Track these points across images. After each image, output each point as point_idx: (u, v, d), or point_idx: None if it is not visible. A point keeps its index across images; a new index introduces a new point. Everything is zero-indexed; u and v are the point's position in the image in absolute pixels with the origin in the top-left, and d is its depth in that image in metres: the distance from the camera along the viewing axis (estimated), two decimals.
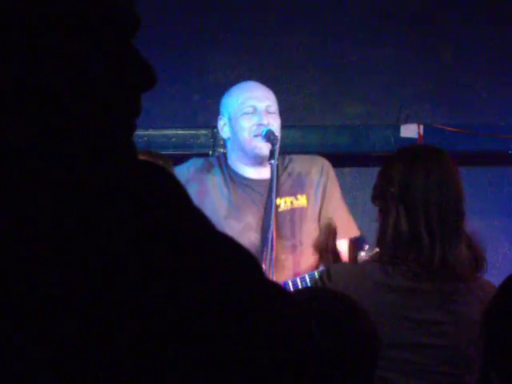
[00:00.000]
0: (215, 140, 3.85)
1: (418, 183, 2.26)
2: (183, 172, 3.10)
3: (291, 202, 3.09)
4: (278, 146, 2.98)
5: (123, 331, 0.79)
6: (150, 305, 0.80)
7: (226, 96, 3.16)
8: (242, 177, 3.10)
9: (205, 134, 3.87)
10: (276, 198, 3.04)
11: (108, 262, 0.80)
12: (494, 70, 3.97)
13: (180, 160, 3.59)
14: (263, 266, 2.84)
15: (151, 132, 3.73)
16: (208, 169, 3.15)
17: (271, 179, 2.91)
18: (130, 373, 0.79)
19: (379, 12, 3.98)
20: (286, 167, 3.16)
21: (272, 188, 2.90)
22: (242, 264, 0.87)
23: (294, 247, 3.05)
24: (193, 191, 3.05)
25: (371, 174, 3.98)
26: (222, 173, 3.13)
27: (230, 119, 3.10)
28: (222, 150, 3.84)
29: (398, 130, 3.88)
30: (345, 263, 2.60)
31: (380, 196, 2.32)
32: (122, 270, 0.79)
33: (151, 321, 0.80)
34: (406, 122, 3.91)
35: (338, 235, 3.10)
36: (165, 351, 0.80)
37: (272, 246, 2.89)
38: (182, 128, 3.89)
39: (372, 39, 3.97)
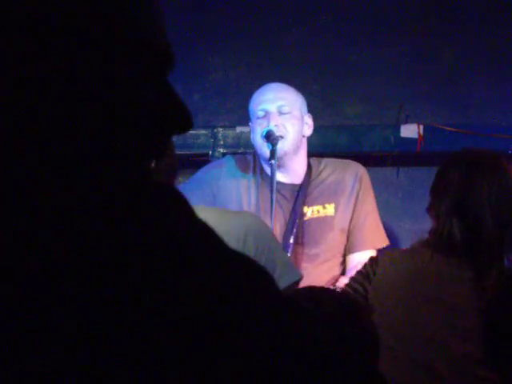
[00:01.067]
0: (215, 140, 3.85)
1: (476, 192, 2.26)
2: (216, 171, 3.08)
3: (318, 211, 3.05)
4: (280, 143, 2.96)
5: (133, 339, 0.80)
6: (157, 318, 0.80)
7: (250, 102, 3.15)
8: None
9: (205, 134, 3.87)
10: (304, 205, 3.02)
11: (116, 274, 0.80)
12: (493, 70, 3.96)
13: (180, 160, 3.59)
14: None
15: None
16: (242, 169, 3.12)
17: (271, 179, 2.90)
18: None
19: (379, 12, 3.98)
20: (320, 173, 3.12)
21: (272, 188, 2.89)
22: (254, 280, 0.87)
23: (316, 256, 3.01)
24: (223, 191, 3.03)
25: (371, 174, 3.99)
26: (255, 174, 3.10)
27: (251, 124, 3.10)
28: (222, 150, 3.84)
29: (398, 129, 3.88)
30: (393, 249, 2.58)
31: (435, 203, 2.32)
32: (133, 285, 0.80)
33: (160, 336, 0.80)
34: (406, 122, 3.91)
35: (365, 245, 3.06)
36: (172, 365, 0.80)
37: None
38: None
39: (372, 39, 3.97)
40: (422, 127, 3.86)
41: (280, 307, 0.87)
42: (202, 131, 3.88)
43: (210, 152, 3.84)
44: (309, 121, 3.16)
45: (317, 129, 3.96)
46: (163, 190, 0.87)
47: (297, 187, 3.04)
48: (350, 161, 3.20)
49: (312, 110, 4.00)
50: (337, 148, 3.90)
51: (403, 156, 3.94)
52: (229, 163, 3.14)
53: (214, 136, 3.85)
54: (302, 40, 3.97)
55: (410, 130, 3.88)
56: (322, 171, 3.12)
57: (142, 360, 0.80)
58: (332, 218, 3.04)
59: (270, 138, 2.96)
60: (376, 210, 3.14)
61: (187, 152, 3.79)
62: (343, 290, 2.41)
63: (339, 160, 3.21)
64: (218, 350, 0.81)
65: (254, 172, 3.11)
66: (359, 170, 3.15)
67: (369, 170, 4.07)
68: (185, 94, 3.93)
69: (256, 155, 3.15)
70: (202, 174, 3.13)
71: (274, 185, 2.89)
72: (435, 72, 3.98)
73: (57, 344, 0.79)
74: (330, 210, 3.05)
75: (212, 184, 3.05)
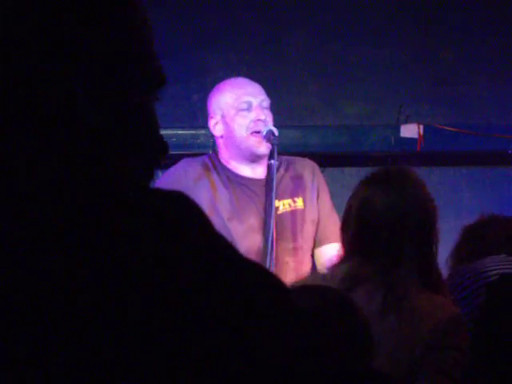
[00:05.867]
0: (215, 140, 3.85)
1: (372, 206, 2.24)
2: (179, 175, 3.05)
3: (289, 205, 3.06)
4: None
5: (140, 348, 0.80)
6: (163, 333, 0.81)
7: (216, 94, 3.10)
8: (239, 176, 3.05)
9: (205, 134, 3.87)
10: (274, 200, 3.02)
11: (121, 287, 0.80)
12: (494, 70, 3.97)
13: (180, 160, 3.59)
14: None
15: None
16: (203, 169, 3.10)
17: (271, 179, 2.90)
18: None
19: (379, 12, 3.98)
20: (279, 169, 3.12)
21: (272, 188, 2.89)
22: (268, 289, 0.87)
23: (295, 250, 3.01)
24: (199, 192, 3.02)
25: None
26: (218, 173, 3.08)
27: (223, 116, 3.05)
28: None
29: (398, 130, 3.88)
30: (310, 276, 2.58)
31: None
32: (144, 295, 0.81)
33: (165, 346, 0.81)
34: (406, 122, 3.91)
35: (332, 238, 3.06)
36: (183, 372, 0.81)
37: (272, 248, 2.88)
38: (182, 128, 3.88)
39: (372, 39, 3.97)
40: (421, 127, 3.87)
41: (290, 316, 0.88)
42: (202, 131, 3.88)
43: (210, 152, 3.84)
44: None
45: (317, 129, 3.96)
46: (177, 198, 0.87)
47: (263, 182, 3.03)
48: (303, 158, 3.20)
49: (312, 109, 4.01)
50: (337, 148, 3.91)
51: (403, 156, 3.94)
52: (187, 166, 3.11)
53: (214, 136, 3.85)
54: (301, 40, 3.97)
55: (410, 130, 3.88)
56: (279, 166, 3.11)
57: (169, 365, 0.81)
58: (303, 210, 3.04)
59: (270, 138, 2.96)
60: (332, 203, 3.15)
61: (187, 152, 3.79)
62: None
63: (293, 157, 3.21)
64: (229, 354, 0.82)
65: (217, 171, 3.08)
66: (314, 166, 3.16)
67: (369, 170, 4.06)
68: (185, 94, 3.94)
69: (213, 155, 3.13)
70: (164, 179, 3.09)
71: (274, 184, 2.89)
72: (435, 72, 3.98)
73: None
74: (299, 203, 3.06)
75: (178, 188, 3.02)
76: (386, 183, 2.28)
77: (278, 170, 3.09)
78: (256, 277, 0.87)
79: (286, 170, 3.11)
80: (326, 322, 0.95)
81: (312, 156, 3.60)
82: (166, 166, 3.84)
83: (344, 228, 2.30)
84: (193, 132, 3.88)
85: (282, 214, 3.03)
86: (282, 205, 3.04)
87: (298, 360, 0.84)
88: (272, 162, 2.91)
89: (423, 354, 2.07)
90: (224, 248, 0.86)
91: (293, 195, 3.06)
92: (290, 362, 0.84)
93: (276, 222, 2.98)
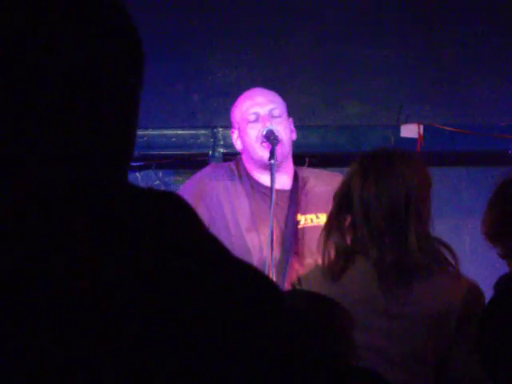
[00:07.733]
0: (215, 140, 3.85)
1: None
2: (203, 182, 3.02)
3: (311, 220, 3.01)
4: (278, 146, 2.95)
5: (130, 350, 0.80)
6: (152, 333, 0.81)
7: (233, 108, 3.11)
8: (262, 185, 3.02)
9: (205, 134, 3.87)
10: (297, 213, 2.99)
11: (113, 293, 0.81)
12: (494, 70, 3.97)
13: (180, 160, 3.59)
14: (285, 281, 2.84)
15: (151, 132, 3.72)
16: (227, 176, 3.07)
17: (271, 180, 2.88)
18: None
19: (379, 12, 3.98)
20: (306, 181, 3.08)
21: (272, 189, 2.87)
22: (257, 291, 0.88)
23: (310, 266, 2.96)
24: (215, 202, 2.99)
25: None
26: (242, 181, 3.05)
27: (239, 130, 3.06)
28: (222, 149, 3.84)
29: (398, 130, 3.88)
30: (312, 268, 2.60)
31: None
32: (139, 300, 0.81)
33: (159, 348, 0.81)
34: (406, 121, 3.91)
35: None
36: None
37: (272, 249, 2.85)
38: (182, 128, 3.88)
39: (372, 39, 3.97)
40: (422, 127, 3.87)
41: (280, 314, 0.88)
42: (202, 131, 3.88)
43: (210, 152, 3.84)
44: (291, 125, 3.13)
45: (317, 129, 3.96)
46: (168, 199, 0.87)
47: (287, 193, 3.00)
48: (334, 173, 3.16)
49: (312, 110, 4.01)
50: (337, 148, 3.90)
51: None
52: (212, 172, 3.09)
53: (214, 136, 3.85)
54: (302, 40, 3.97)
55: (410, 130, 3.88)
56: (307, 179, 3.08)
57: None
58: None
59: (270, 137, 2.95)
60: None
61: (187, 152, 3.79)
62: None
63: (322, 171, 3.19)
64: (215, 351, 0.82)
65: (241, 179, 3.06)
66: None
67: None
68: (185, 94, 3.94)
69: (240, 162, 3.11)
70: (189, 188, 3.07)
71: (274, 186, 2.87)
72: (435, 72, 3.98)
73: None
74: (322, 219, 2.98)
75: (203, 196, 3.00)
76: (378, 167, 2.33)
77: (306, 182, 3.06)
78: (247, 276, 0.87)
79: (316, 184, 3.07)
80: (312, 321, 0.96)
81: (312, 156, 3.60)
82: (167, 166, 3.85)
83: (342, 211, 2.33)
84: (193, 132, 3.88)
85: (302, 229, 2.98)
86: (304, 219, 3.00)
87: (286, 356, 0.85)
88: (272, 161, 2.90)
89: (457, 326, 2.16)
90: (215, 247, 0.87)
91: (317, 211, 3.01)
92: (278, 359, 0.84)
93: (295, 236, 2.96)
